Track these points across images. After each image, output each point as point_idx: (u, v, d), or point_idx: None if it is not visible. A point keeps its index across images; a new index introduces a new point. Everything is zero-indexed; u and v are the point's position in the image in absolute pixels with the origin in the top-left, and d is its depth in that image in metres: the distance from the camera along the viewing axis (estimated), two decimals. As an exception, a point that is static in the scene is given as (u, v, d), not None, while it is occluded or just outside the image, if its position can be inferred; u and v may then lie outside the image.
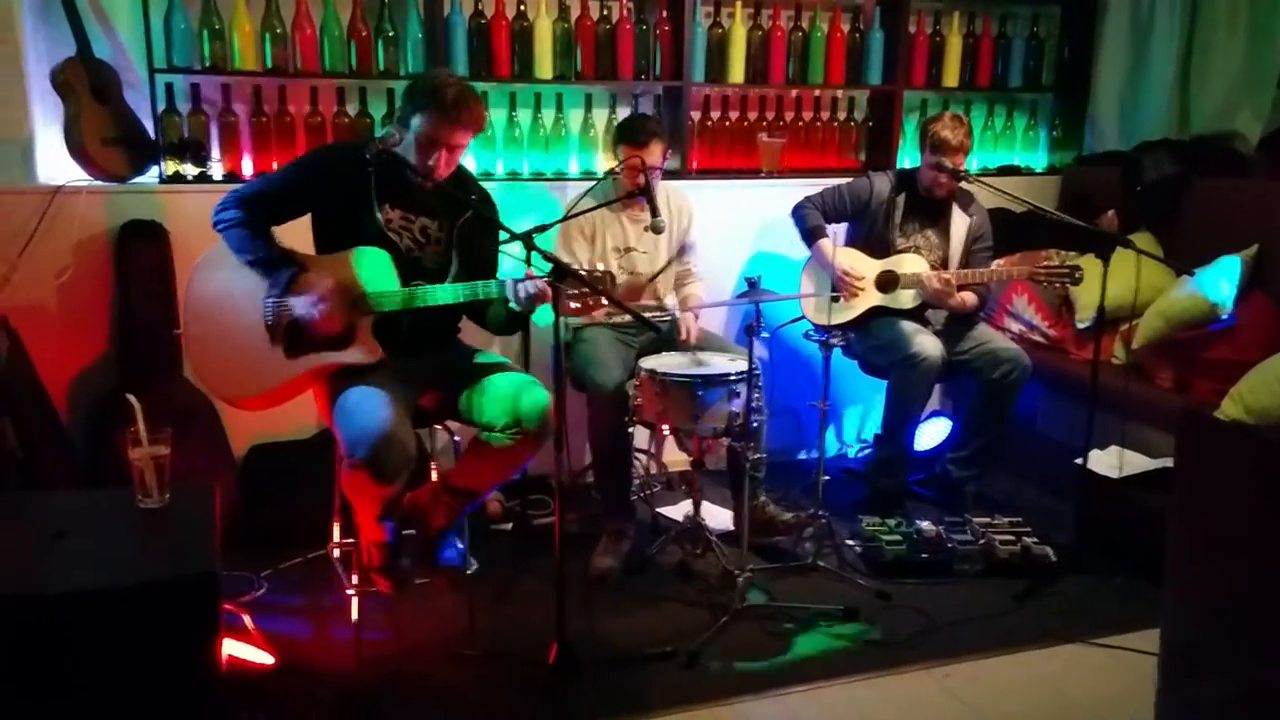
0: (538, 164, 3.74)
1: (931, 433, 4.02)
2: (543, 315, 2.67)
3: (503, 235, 2.63)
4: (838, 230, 3.68)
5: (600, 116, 3.80)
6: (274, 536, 3.16)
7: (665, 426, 2.99)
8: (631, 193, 3.16)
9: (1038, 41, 4.36)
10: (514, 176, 3.70)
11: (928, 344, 3.36)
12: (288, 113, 3.45)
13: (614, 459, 3.21)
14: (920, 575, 3.10)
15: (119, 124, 3.18)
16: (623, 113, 3.78)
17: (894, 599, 2.97)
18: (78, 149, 3.12)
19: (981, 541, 3.19)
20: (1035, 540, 3.19)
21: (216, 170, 3.40)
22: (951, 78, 4.22)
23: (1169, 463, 2.24)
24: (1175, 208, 3.88)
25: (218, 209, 2.55)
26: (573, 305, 2.56)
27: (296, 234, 2.63)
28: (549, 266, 2.41)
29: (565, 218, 3.11)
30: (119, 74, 3.20)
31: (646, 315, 2.69)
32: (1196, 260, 3.45)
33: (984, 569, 3.13)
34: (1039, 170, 4.47)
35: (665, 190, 3.37)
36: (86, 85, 3.11)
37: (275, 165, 3.39)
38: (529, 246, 2.43)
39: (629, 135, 3.19)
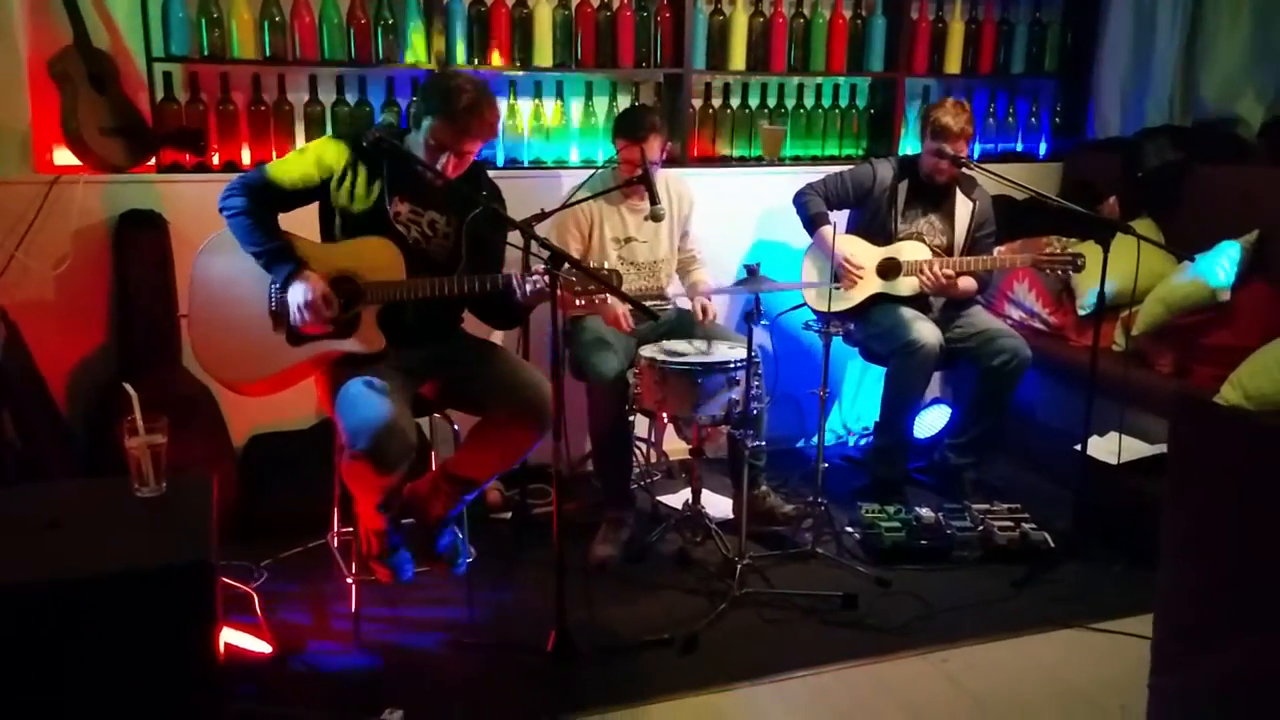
0: (538, 152, 3.73)
1: (931, 420, 4.02)
2: None
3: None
4: (839, 218, 3.67)
5: (601, 104, 3.80)
6: (274, 526, 3.16)
7: (665, 415, 2.99)
8: (630, 180, 3.15)
9: (1040, 27, 4.34)
10: (514, 165, 3.69)
11: (926, 331, 3.36)
12: (287, 101, 3.44)
13: (614, 447, 3.21)
14: (919, 562, 3.10)
15: (117, 113, 3.17)
16: (624, 100, 3.78)
17: (893, 585, 2.98)
18: (75, 139, 3.11)
19: (980, 528, 3.19)
20: (1034, 526, 3.19)
21: (215, 159, 3.39)
22: (953, 64, 4.20)
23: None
24: (1177, 194, 3.87)
25: (224, 195, 2.55)
26: (578, 303, 2.56)
27: (302, 222, 2.64)
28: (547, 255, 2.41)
29: (563, 206, 3.11)
30: (117, 63, 3.19)
31: (648, 304, 2.69)
32: (1197, 246, 3.44)
33: (983, 555, 3.14)
34: (1041, 156, 4.46)
35: (665, 178, 3.36)
36: (84, 74, 3.10)
37: (274, 154, 3.39)
38: (528, 235, 2.43)
39: (627, 129, 3.16)
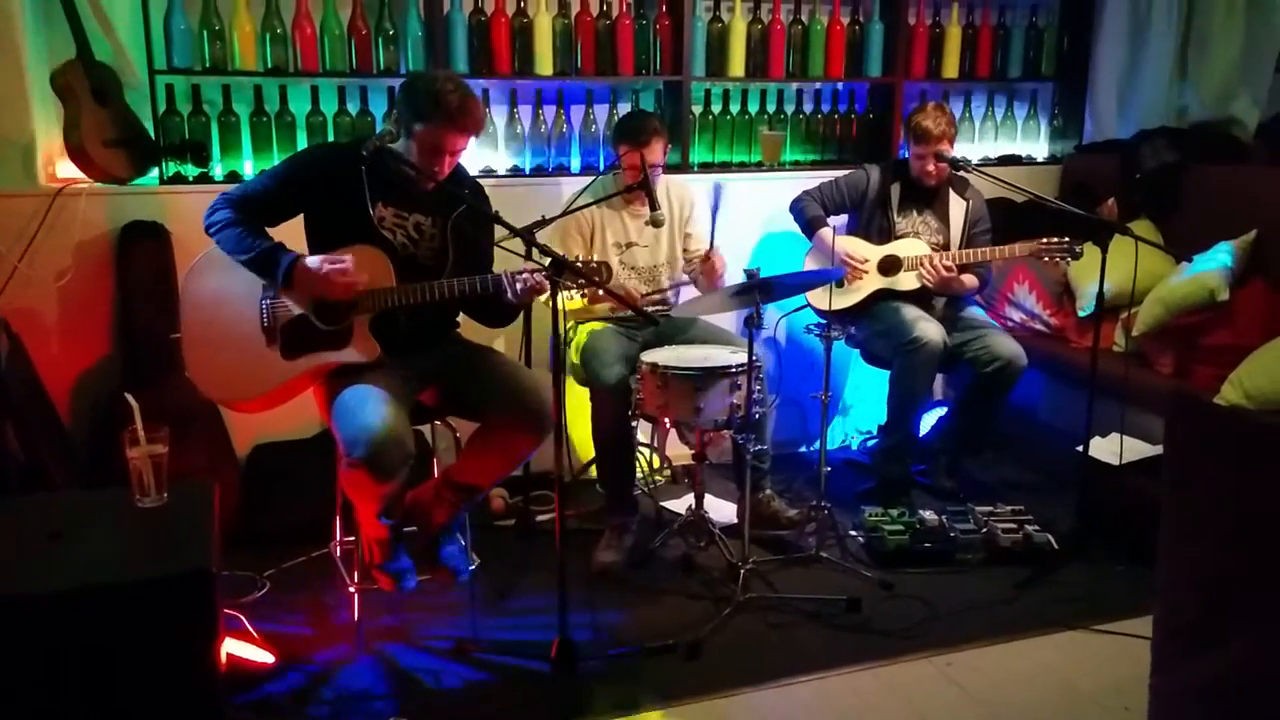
0: (540, 160, 3.75)
1: (933, 421, 4.02)
2: None
3: (502, 230, 2.63)
4: (837, 223, 3.69)
5: (601, 112, 3.81)
6: (277, 535, 3.18)
7: (667, 420, 2.99)
8: (630, 186, 3.16)
9: (1037, 31, 4.35)
10: (516, 173, 3.71)
11: (930, 329, 3.37)
12: (289, 113, 3.46)
13: (617, 453, 3.21)
14: (922, 565, 3.10)
15: (120, 125, 3.19)
16: (623, 108, 3.79)
17: (896, 589, 2.98)
18: (78, 151, 3.13)
19: (983, 530, 3.20)
20: (1037, 528, 3.19)
21: (218, 171, 3.41)
22: (951, 69, 4.22)
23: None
24: (1174, 195, 3.88)
25: (208, 212, 2.53)
26: (576, 295, 2.56)
27: (290, 235, 2.65)
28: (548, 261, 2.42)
29: (565, 213, 3.12)
30: (119, 75, 3.21)
31: (646, 308, 2.70)
32: (1196, 247, 3.45)
33: (986, 557, 3.14)
34: (1039, 160, 4.47)
35: (665, 182, 3.37)
36: (87, 87, 3.12)
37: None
38: (529, 242, 2.44)
39: (630, 135, 3.17)
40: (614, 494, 3.24)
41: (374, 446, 2.36)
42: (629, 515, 3.24)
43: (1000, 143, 4.40)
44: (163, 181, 3.32)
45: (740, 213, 3.93)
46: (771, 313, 3.74)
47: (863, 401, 4.24)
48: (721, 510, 3.42)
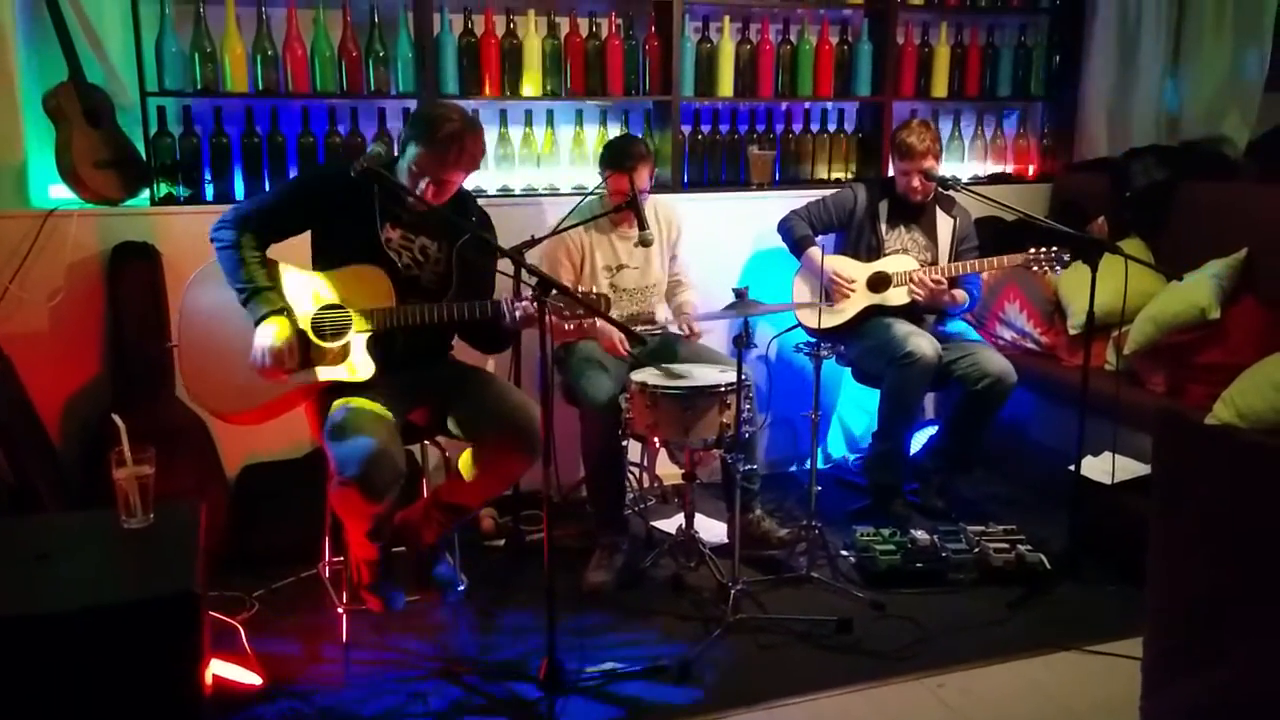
0: (529, 180, 3.76)
1: (924, 441, 4.01)
2: None
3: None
4: (826, 242, 3.70)
5: (591, 132, 3.82)
6: (267, 556, 3.16)
7: (657, 439, 2.99)
8: (619, 206, 3.17)
9: (1025, 51, 4.38)
10: (506, 193, 3.72)
11: (923, 344, 3.38)
12: (280, 134, 3.47)
13: (607, 473, 3.21)
14: (914, 585, 3.09)
15: (111, 147, 3.20)
16: (613, 128, 3.81)
17: (888, 609, 2.96)
18: (70, 172, 3.14)
19: (976, 550, 3.18)
20: (1029, 548, 3.18)
21: (208, 192, 3.41)
22: (940, 88, 4.24)
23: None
24: (1165, 213, 3.89)
25: (216, 226, 2.58)
26: (568, 328, 2.57)
27: (293, 248, 2.66)
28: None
29: (553, 233, 3.13)
30: (111, 98, 3.22)
31: (637, 330, 2.71)
32: (1186, 265, 3.46)
33: (978, 577, 3.13)
34: (1029, 178, 4.48)
35: (653, 202, 3.38)
36: (79, 109, 3.13)
37: (268, 186, 3.41)
38: (518, 263, 2.44)
39: (615, 160, 3.19)
40: (604, 514, 3.23)
41: (366, 465, 2.35)
42: (619, 535, 3.23)
43: (990, 162, 4.42)
44: (154, 203, 3.32)
45: (729, 232, 3.95)
46: (762, 332, 3.76)
47: (856, 421, 4.23)
48: (712, 530, 3.41)
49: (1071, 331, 3.82)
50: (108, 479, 2.04)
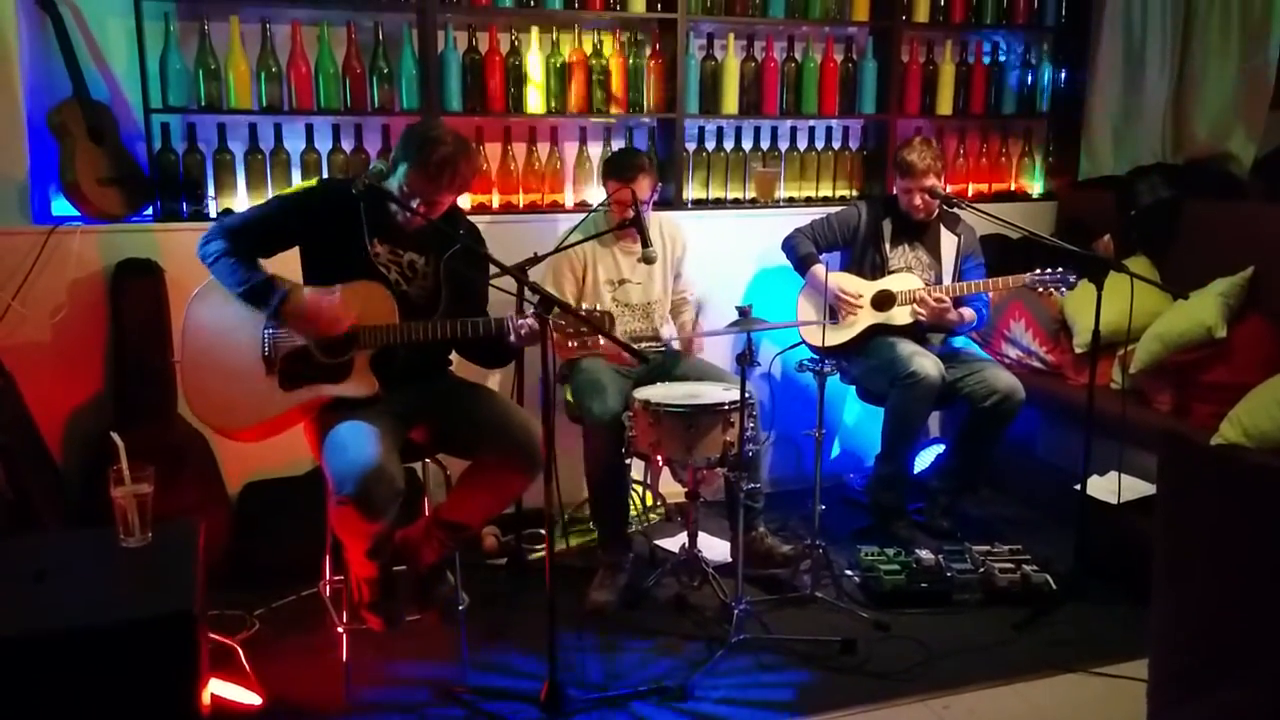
0: (533, 197, 3.76)
1: (930, 459, 3.99)
2: None
3: (494, 269, 2.63)
4: (830, 261, 3.68)
5: (595, 149, 3.82)
6: (268, 574, 3.14)
7: (660, 457, 2.98)
8: (622, 223, 3.17)
9: (1030, 68, 4.37)
10: (510, 209, 3.71)
11: (927, 364, 3.36)
12: (283, 150, 3.47)
13: (610, 491, 3.19)
14: (919, 605, 3.06)
15: (115, 164, 3.21)
16: (617, 145, 3.81)
17: (892, 629, 2.94)
18: (73, 189, 3.15)
19: (981, 570, 3.16)
20: (1035, 568, 3.16)
21: (212, 208, 3.42)
22: (945, 105, 4.24)
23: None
24: (1170, 231, 3.88)
25: (203, 241, 2.57)
26: (571, 345, 2.56)
27: (285, 266, 2.65)
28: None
29: (556, 250, 3.12)
30: (115, 114, 3.23)
31: (640, 347, 2.69)
32: (1192, 284, 3.44)
33: (983, 598, 3.10)
34: (1034, 196, 4.47)
35: (658, 220, 3.38)
36: (83, 126, 3.14)
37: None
38: (520, 281, 2.43)
39: (617, 171, 3.20)
40: (607, 532, 3.21)
41: (363, 484, 2.34)
42: (622, 554, 3.21)
43: (994, 180, 4.41)
44: (157, 219, 3.32)
45: (734, 250, 3.94)
46: (766, 350, 3.75)
47: (862, 440, 4.21)
48: (715, 549, 3.39)
49: (1077, 350, 3.80)
50: (108, 497, 2.03)
